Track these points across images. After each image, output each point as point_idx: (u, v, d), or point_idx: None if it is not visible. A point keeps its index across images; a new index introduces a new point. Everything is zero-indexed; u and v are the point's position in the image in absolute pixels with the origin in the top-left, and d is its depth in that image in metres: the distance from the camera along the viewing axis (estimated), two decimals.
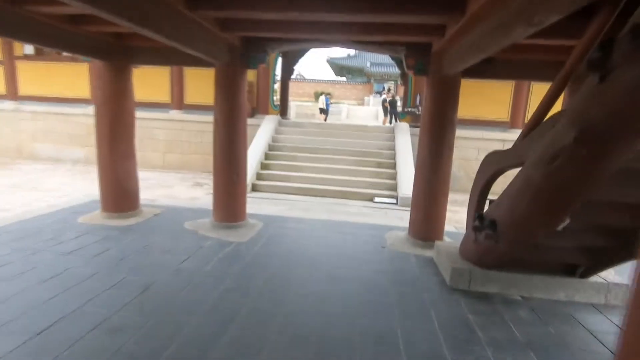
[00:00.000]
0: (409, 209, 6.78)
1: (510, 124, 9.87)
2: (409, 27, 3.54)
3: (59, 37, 3.83)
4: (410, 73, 4.47)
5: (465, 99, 9.68)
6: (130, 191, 4.99)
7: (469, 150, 9.41)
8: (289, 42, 4.21)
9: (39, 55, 11.01)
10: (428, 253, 4.20)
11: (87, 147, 10.77)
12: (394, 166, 8.19)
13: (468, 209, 3.77)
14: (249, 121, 10.24)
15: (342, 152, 8.62)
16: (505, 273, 3.24)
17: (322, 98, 20.57)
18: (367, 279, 3.48)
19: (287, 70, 12.86)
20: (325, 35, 3.76)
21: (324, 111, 20.09)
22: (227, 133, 4.56)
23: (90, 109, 10.78)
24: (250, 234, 4.57)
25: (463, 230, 5.49)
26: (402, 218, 6.16)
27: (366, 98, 36.68)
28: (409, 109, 9.78)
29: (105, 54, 4.32)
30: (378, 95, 36.62)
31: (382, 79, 38.58)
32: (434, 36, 3.62)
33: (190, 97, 10.80)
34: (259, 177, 7.89)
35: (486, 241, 2.95)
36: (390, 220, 5.86)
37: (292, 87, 41.23)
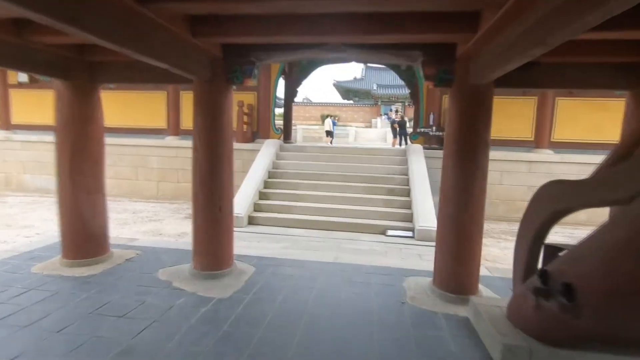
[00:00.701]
0: (428, 243, 5.86)
1: (536, 143, 8.96)
2: (428, 19, 2.74)
3: (2, 53, 3.15)
4: (429, 85, 3.67)
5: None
6: (96, 233, 4.18)
7: (491, 173, 8.47)
8: (281, 49, 3.46)
9: (32, 84, 10.62)
10: (461, 312, 3.25)
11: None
12: (407, 193, 7.30)
13: (515, 257, 2.86)
14: (248, 146, 9.57)
15: (350, 179, 7.79)
16: (586, 354, 2.28)
17: (328, 120, 19.99)
18: (385, 355, 2.55)
19: (290, 92, 12.28)
20: (324, 36, 3.00)
21: (330, 134, 19.46)
22: (208, 161, 3.77)
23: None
24: (236, 286, 3.68)
25: (499, 274, 4.47)
26: (421, 256, 5.21)
27: (374, 120, 36.21)
28: (422, 130, 8.97)
29: (62, 70, 3.63)
30: (386, 117, 36.19)
31: (389, 100, 38.22)
32: (461, 33, 2.82)
33: (187, 122, 10.20)
34: (256, 208, 7.07)
35: (560, 313, 2.03)
36: (408, 260, 4.93)
37: (299, 110, 41.26)
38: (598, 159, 2.73)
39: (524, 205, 2.88)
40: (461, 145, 3.39)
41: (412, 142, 9.25)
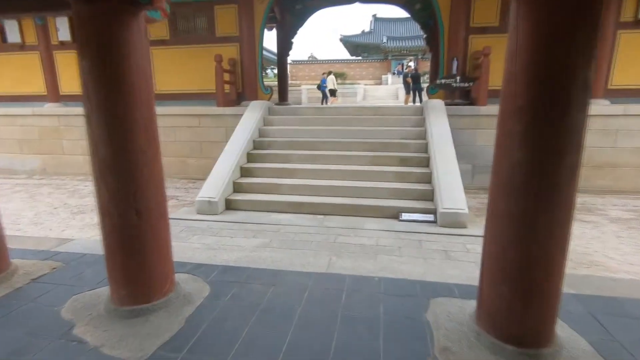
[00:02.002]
0: (456, 231, 4.42)
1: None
2: None
3: None
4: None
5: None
6: None
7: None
8: None
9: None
10: None
11: (43, 155, 8.87)
12: (426, 163, 5.77)
13: None
14: (232, 110, 7.81)
15: (353, 146, 6.26)
16: None
17: (332, 77, 18.07)
18: None
19: (284, 44, 10.49)
20: None
21: (333, 92, 17.63)
22: (109, 137, 2.33)
23: (45, 108, 8.89)
24: (169, 330, 2.37)
25: (592, 291, 2.65)
26: (448, 254, 3.81)
27: (384, 76, 33.70)
28: (443, 81, 7.22)
29: None
30: (397, 71, 33.58)
31: (400, 54, 35.38)
32: None
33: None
34: (236, 188, 5.67)
35: None
36: (431, 263, 3.53)
37: (304, 69, 38.84)
38: None
39: None
40: (538, 95, 1.85)
41: (430, 97, 7.55)
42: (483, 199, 6.43)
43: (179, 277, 3.08)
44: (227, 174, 5.54)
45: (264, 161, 6.19)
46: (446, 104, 6.77)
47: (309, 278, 3.13)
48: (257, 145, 6.53)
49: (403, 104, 14.02)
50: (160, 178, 2.59)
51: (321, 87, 17.74)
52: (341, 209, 5.10)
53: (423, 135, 6.33)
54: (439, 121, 6.22)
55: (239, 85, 8.26)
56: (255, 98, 8.06)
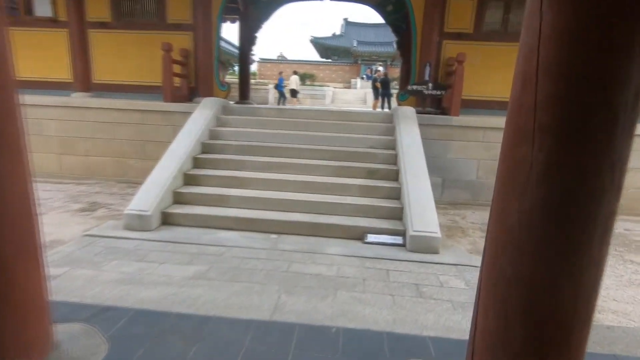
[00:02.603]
0: (427, 259, 3.89)
1: None
2: None
3: None
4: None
5: (494, 74, 6.67)
6: None
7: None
8: None
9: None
10: None
11: None
12: (395, 176, 5.23)
13: None
14: (182, 107, 6.76)
15: (316, 155, 5.61)
16: None
17: (295, 78, 17.40)
18: None
19: (247, 38, 9.69)
20: None
21: (294, 93, 16.95)
22: None
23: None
24: None
25: None
26: (420, 289, 3.22)
27: (353, 80, 33.53)
28: (415, 87, 6.75)
29: None
30: (366, 77, 33.51)
31: (370, 59, 35.41)
32: None
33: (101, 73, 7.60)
34: (177, 199, 4.84)
35: None
36: (401, 303, 2.92)
37: (272, 68, 37.86)
38: None
39: None
40: (570, 108, 1.27)
41: (400, 104, 7.07)
42: (453, 216, 6.00)
43: (68, 330, 2.28)
44: (166, 182, 4.69)
45: (212, 167, 5.38)
46: (418, 112, 6.30)
47: (248, 329, 2.43)
48: (206, 148, 5.71)
49: (371, 109, 13.62)
50: (23, 193, 1.79)
51: (278, 86, 17.01)
52: (299, 228, 4.42)
53: (393, 145, 5.81)
54: (409, 130, 5.72)
55: (192, 79, 7.37)
56: (211, 94, 7.21)
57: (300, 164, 5.34)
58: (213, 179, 5.10)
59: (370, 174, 5.25)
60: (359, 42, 36.40)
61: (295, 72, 17.36)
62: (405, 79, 9.36)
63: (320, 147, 5.74)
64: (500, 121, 6.48)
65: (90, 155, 7.06)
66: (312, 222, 4.42)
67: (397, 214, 4.62)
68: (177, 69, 7.05)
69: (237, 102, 9.75)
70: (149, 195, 4.47)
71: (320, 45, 40.13)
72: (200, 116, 6.01)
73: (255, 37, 9.79)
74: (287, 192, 4.92)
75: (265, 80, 32.92)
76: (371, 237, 4.28)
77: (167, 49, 6.52)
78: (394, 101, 16.95)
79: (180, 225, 4.52)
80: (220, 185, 5.06)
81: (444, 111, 6.79)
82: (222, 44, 22.19)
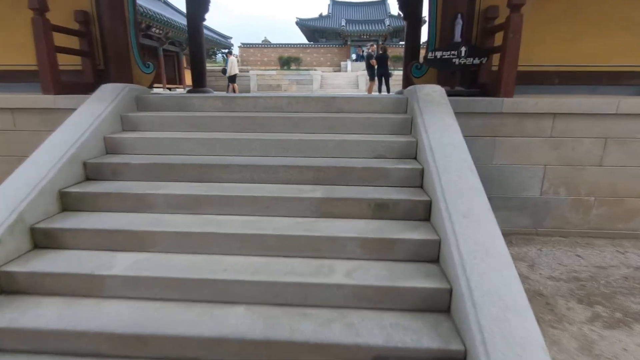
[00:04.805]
0: None
1: None
2: None
3: None
4: None
5: (558, 29, 4.21)
6: None
7: (582, 142, 4.13)
8: None
9: None
10: None
11: None
12: (425, 213, 2.87)
13: None
14: (72, 101, 3.66)
15: (282, 175, 3.23)
16: None
17: (232, 59, 14.91)
18: None
19: (197, 3, 7.14)
20: None
21: (233, 79, 14.39)
22: None
23: None
24: None
25: None
26: None
27: (343, 63, 30.86)
28: (439, 54, 4.33)
29: None
30: (356, 55, 30.89)
31: (360, 39, 32.66)
32: None
33: None
34: (5, 283, 2.44)
35: None
36: None
37: (255, 54, 34.97)
38: None
39: None
40: None
41: (415, 81, 4.66)
42: (517, 262, 3.68)
43: None
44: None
45: (93, 209, 2.98)
46: (449, 94, 3.89)
47: None
48: (90, 171, 3.29)
49: (366, 93, 11.18)
50: None
51: (226, 70, 14.53)
52: (241, 352, 2.07)
53: (412, 152, 3.44)
54: (442, 124, 3.33)
55: (99, 57, 4.88)
56: (128, 79, 4.75)
57: (251, 198, 2.94)
58: (88, 237, 2.70)
59: (379, 210, 2.88)
60: (348, 21, 33.65)
61: (230, 52, 14.84)
62: (411, 51, 6.92)
63: (290, 159, 3.35)
64: (579, 103, 4.11)
65: None
66: (265, 341, 2.07)
67: (442, 303, 2.28)
68: (68, 41, 4.56)
69: (189, 91, 7.28)
70: None
71: (306, 27, 37.31)
72: (86, 116, 3.56)
73: (207, 2, 7.23)
74: (221, 260, 2.56)
75: (248, 67, 30.20)
76: None
77: (39, 7, 4.01)
78: (392, 82, 14.37)
79: (5, 351, 2.15)
80: (100, 247, 2.68)
81: (483, 91, 4.42)
82: (157, 6, 18.93)
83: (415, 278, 2.37)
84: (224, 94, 6.09)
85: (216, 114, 4.01)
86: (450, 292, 2.27)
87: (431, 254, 2.57)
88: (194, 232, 2.65)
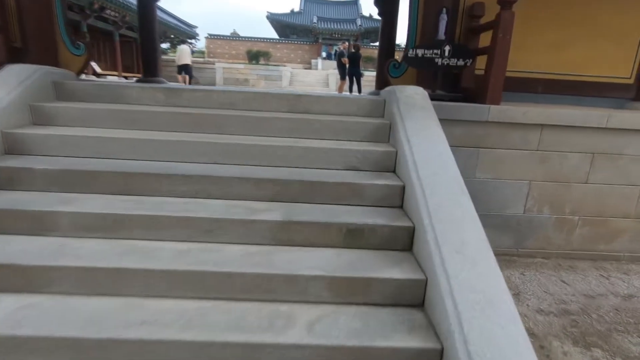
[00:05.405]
0: None
1: (637, 91, 4.45)
2: None
3: None
4: None
5: (544, 34, 3.83)
6: None
7: (569, 157, 3.81)
8: None
9: None
10: None
11: None
12: (407, 242, 2.36)
13: None
14: None
15: (235, 189, 2.61)
16: None
17: (185, 48, 13.96)
18: None
19: None
20: None
21: (186, 69, 13.37)
22: None
23: None
24: None
25: None
26: None
27: (314, 61, 30.32)
28: (420, 53, 3.86)
29: None
30: (326, 54, 30.44)
31: (331, 37, 32.24)
32: None
33: None
34: None
35: None
36: None
37: (223, 46, 33.60)
38: None
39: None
40: None
41: (392, 82, 4.17)
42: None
43: None
44: None
45: None
46: (432, 97, 3.42)
47: None
48: None
49: (337, 92, 10.69)
50: None
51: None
52: None
53: (391, 164, 2.93)
54: (426, 133, 2.85)
55: (14, 32, 3.99)
56: (54, 61, 3.91)
57: (190, 218, 2.30)
58: None
59: (351, 237, 2.34)
60: (319, 19, 33.14)
61: (183, 41, 13.93)
62: (386, 49, 6.45)
63: (245, 170, 2.73)
64: (571, 114, 3.57)
65: None
66: None
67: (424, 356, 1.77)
68: None
69: (139, 80, 6.43)
70: None
71: (277, 22, 36.39)
72: None
73: None
74: (141, 307, 1.90)
75: (214, 59, 28.88)
76: None
77: None
78: (367, 83, 13.96)
79: None
80: None
81: (465, 96, 4.00)
82: None
83: (396, 332, 1.85)
84: (170, 84, 5.29)
85: (157, 108, 3.29)
86: (441, 353, 1.76)
87: (415, 297, 2.06)
88: (104, 268, 1.97)
